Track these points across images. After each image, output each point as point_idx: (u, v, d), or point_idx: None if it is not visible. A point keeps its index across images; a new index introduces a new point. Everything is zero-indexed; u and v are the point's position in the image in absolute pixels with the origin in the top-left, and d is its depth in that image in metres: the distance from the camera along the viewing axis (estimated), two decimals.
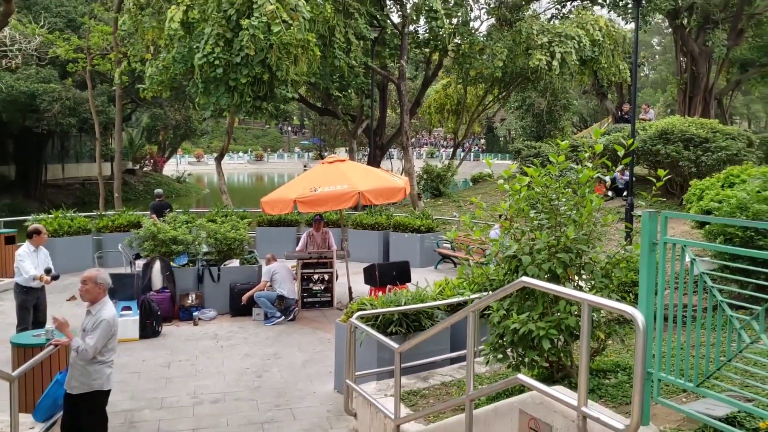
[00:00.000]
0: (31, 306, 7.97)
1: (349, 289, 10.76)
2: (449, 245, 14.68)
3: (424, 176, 24.10)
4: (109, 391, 5.09)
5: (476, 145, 75.49)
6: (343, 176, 10.01)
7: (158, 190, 16.16)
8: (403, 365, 5.59)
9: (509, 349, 4.89)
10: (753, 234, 6.68)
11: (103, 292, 5.03)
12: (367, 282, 10.65)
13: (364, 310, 6.31)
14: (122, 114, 23.13)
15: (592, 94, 30.18)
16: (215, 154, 24.93)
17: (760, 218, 6.84)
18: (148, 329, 9.34)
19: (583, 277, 4.91)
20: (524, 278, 3.59)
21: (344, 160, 10.92)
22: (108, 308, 5.01)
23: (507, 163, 36.57)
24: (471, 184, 29.36)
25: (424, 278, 8.13)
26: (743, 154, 14.66)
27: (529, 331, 4.43)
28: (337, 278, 11.14)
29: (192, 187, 46.70)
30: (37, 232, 8.02)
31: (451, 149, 36.22)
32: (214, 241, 11.18)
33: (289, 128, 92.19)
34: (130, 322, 9.16)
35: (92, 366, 4.92)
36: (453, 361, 6.57)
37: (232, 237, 11.15)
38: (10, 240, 13.10)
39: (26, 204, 29.44)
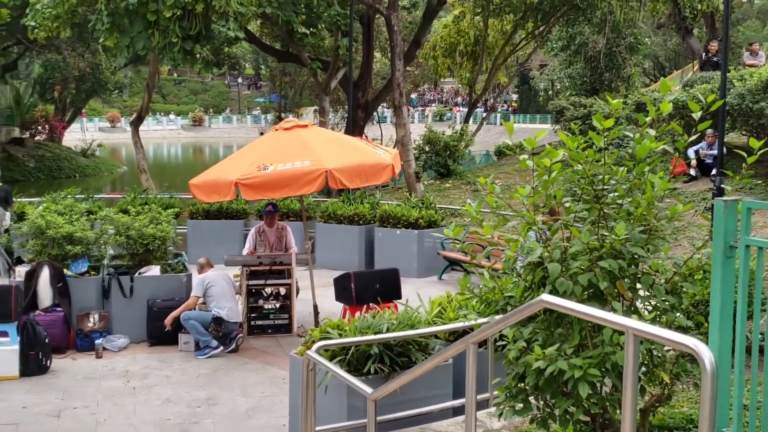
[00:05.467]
0: None
1: (315, 307, 10.78)
2: (462, 245, 14.55)
3: (426, 148, 24.00)
4: None
5: (504, 102, 75.63)
6: (304, 148, 9.99)
7: None
8: (383, 417, 5.47)
9: (533, 396, 4.77)
10: None
11: None
12: (339, 298, 10.61)
13: (329, 338, 6.18)
14: (4, 61, 22.90)
15: (671, 28, 30.02)
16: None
17: None
18: (32, 363, 9.34)
19: (640, 293, 4.80)
20: (544, 296, 3.46)
21: (306, 126, 10.93)
22: None
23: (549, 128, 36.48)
24: (495, 158, 29.24)
25: (421, 293, 8.03)
26: None
27: (559, 372, 4.30)
28: (298, 293, 11.17)
29: (104, 163, 46.69)
30: None
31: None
32: (126, 239, 11.19)
33: (240, 80, 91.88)
34: (6, 353, 9.17)
35: None
36: (457, 411, 6.46)
37: (151, 234, 11.15)
38: None
39: None
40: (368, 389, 4.92)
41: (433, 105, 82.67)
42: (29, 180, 36.77)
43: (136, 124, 20.52)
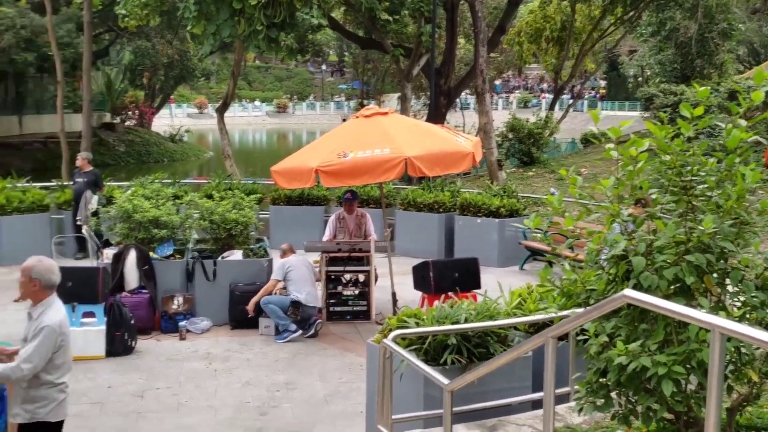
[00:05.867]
0: None
1: (393, 295, 10.78)
2: (544, 236, 14.33)
3: (509, 135, 23.71)
4: (59, 423, 5.19)
5: (592, 89, 74.19)
6: (384, 136, 9.95)
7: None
8: (459, 408, 5.42)
9: (615, 392, 4.67)
10: None
11: (42, 291, 5.13)
12: (417, 287, 10.59)
13: (406, 327, 6.15)
14: (96, 48, 23.56)
15: (767, 14, 28.98)
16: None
17: None
18: (118, 344, 9.52)
19: (729, 289, 4.63)
20: (627, 291, 3.36)
21: (387, 113, 10.87)
22: (53, 312, 5.10)
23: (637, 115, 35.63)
24: (581, 146, 28.74)
25: (501, 283, 7.90)
26: None
27: (642, 368, 4.19)
28: (376, 280, 11.16)
29: (191, 149, 47.66)
30: None
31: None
32: (210, 224, 11.33)
33: (324, 67, 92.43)
34: (93, 333, 9.35)
35: (37, 390, 5.04)
36: (536, 404, 6.32)
37: (234, 219, 11.27)
38: None
39: None
40: (445, 380, 4.88)
41: (518, 91, 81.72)
42: (119, 164, 37.85)
43: (221, 111, 20.86)
